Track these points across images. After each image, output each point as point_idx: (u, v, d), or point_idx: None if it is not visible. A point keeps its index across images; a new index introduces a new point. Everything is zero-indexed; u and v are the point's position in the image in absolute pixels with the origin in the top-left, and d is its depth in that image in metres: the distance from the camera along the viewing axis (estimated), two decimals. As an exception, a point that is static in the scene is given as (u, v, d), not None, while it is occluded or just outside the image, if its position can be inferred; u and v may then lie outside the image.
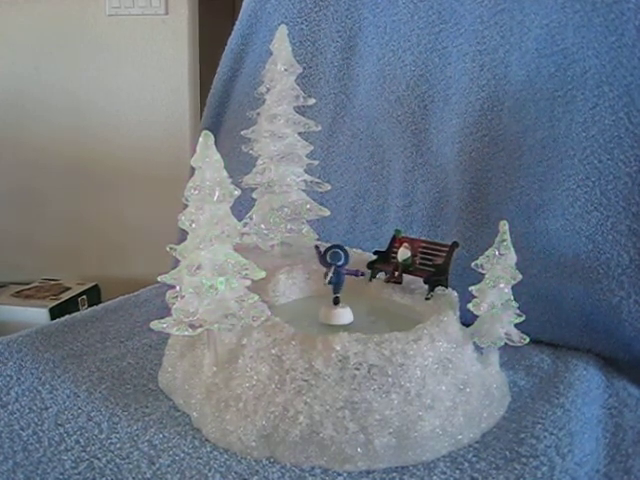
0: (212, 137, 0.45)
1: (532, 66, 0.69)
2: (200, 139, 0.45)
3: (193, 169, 0.46)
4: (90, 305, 1.30)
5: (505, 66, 0.71)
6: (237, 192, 0.46)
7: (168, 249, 0.48)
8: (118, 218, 1.42)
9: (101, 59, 1.36)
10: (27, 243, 1.45)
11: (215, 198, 0.44)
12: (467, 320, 0.54)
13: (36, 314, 1.19)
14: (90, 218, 1.44)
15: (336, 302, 0.52)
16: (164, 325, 0.46)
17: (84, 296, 1.32)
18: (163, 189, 1.34)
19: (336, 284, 0.52)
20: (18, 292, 1.29)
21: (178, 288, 0.48)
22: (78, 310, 1.25)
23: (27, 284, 1.35)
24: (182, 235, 0.48)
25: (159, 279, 0.47)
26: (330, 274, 0.52)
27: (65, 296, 1.27)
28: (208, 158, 0.45)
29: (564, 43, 0.67)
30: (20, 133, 1.41)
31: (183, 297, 0.47)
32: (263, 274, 0.48)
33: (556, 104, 0.68)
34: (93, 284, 1.36)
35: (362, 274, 0.54)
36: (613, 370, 0.64)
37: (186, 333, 0.45)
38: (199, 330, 0.46)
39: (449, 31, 0.76)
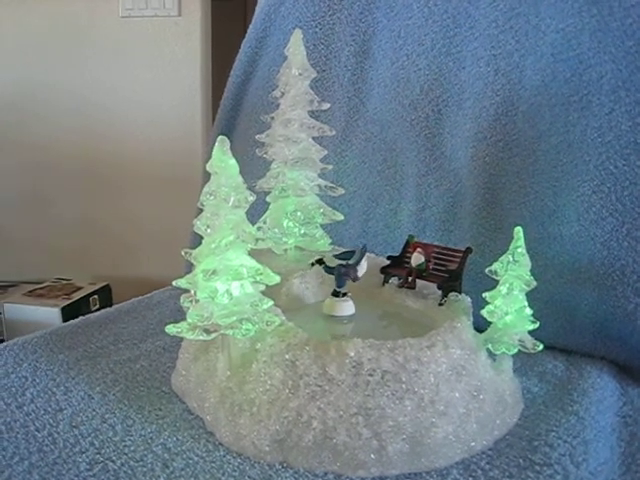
0: (228, 142, 0.45)
1: (547, 71, 0.69)
2: (216, 144, 0.45)
3: (208, 174, 0.46)
4: (101, 305, 1.31)
5: (520, 71, 0.71)
6: (252, 198, 0.46)
7: (183, 253, 0.48)
8: (129, 219, 1.43)
9: (114, 61, 1.37)
10: (39, 243, 1.47)
11: (230, 204, 0.45)
12: (480, 326, 0.53)
13: (48, 313, 1.20)
14: (102, 219, 1.45)
15: (334, 294, 0.55)
16: (179, 329, 0.46)
17: (95, 296, 1.33)
18: (174, 190, 1.35)
19: (337, 278, 0.54)
20: (30, 291, 1.30)
21: (193, 292, 0.48)
22: (89, 310, 1.27)
23: (39, 283, 1.36)
24: (195, 239, 0.48)
25: (174, 283, 0.47)
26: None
27: (77, 296, 1.28)
28: (224, 163, 0.45)
29: (580, 48, 0.67)
30: (34, 135, 1.42)
31: (198, 301, 0.47)
32: (278, 279, 0.48)
33: (571, 109, 0.67)
34: (104, 284, 1.37)
35: (354, 279, 0.55)
36: (627, 377, 0.64)
37: (201, 338, 0.46)
38: (214, 335, 0.46)
39: (464, 35, 0.75)
